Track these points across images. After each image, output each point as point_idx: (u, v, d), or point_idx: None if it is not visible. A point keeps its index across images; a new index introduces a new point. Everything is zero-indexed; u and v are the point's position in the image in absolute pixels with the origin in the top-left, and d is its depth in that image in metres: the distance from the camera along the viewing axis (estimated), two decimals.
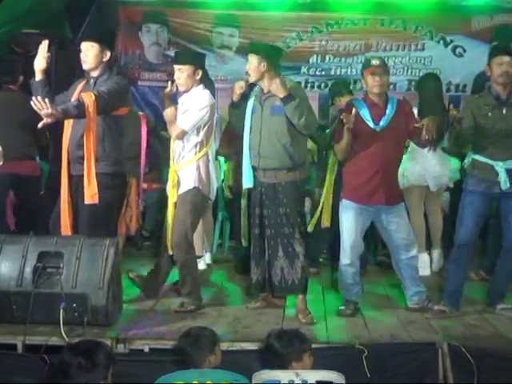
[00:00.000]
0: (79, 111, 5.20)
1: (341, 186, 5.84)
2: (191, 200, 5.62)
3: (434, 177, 7.05)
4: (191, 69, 5.63)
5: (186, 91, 5.71)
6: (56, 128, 5.62)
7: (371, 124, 5.52)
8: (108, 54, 5.55)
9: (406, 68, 9.48)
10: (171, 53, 9.45)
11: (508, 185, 5.42)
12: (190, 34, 9.54)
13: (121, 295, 5.37)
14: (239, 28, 9.59)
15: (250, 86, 6.06)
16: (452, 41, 9.49)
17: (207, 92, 5.70)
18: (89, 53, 5.52)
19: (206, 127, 5.66)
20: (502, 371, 4.64)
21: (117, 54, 9.04)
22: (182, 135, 5.60)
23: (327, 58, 9.62)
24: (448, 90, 9.35)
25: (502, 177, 5.42)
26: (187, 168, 5.64)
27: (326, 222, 6.39)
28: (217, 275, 7.06)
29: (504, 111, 5.44)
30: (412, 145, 6.97)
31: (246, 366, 4.45)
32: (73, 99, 5.46)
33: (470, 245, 5.60)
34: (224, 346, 4.62)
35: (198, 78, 5.66)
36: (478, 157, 5.55)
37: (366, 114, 5.55)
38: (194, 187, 5.62)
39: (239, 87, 6.27)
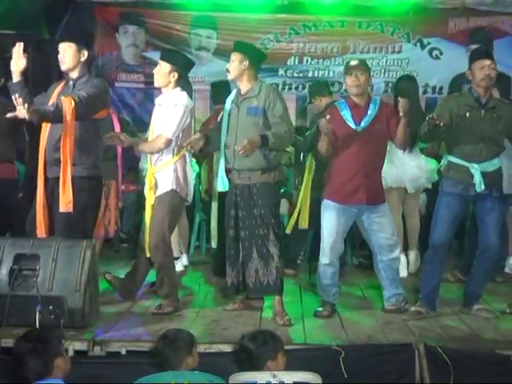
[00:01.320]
0: (56, 116, 5.17)
1: (319, 188, 5.85)
2: (169, 202, 5.60)
3: (411, 179, 7.08)
4: (168, 68, 5.61)
5: (163, 90, 5.70)
6: (35, 131, 5.58)
7: (352, 125, 5.53)
8: (85, 53, 5.53)
9: (383, 70, 9.53)
10: (148, 54, 9.48)
11: (483, 187, 5.46)
12: (167, 35, 9.52)
13: (98, 297, 5.34)
14: (217, 30, 9.59)
15: None
16: (429, 43, 9.56)
17: (185, 94, 5.68)
18: (66, 53, 5.48)
19: (185, 131, 5.64)
20: (478, 371, 4.66)
21: (94, 54, 9.01)
22: (168, 143, 5.56)
23: (305, 60, 9.65)
24: (425, 92, 9.42)
25: (477, 179, 5.46)
26: (165, 170, 5.62)
27: (303, 224, 6.41)
28: (194, 277, 7.05)
29: (482, 114, 5.48)
30: (389, 147, 7.02)
31: (224, 368, 4.45)
32: (51, 101, 5.43)
33: (444, 246, 5.64)
34: (201, 347, 4.61)
35: (174, 79, 5.63)
36: (453, 158, 5.59)
37: (347, 114, 5.57)
38: (172, 189, 5.60)
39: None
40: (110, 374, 4.55)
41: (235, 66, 5.51)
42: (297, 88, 9.65)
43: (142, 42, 9.62)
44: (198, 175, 7.85)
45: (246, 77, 5.52)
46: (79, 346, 4.66)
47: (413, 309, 5.64)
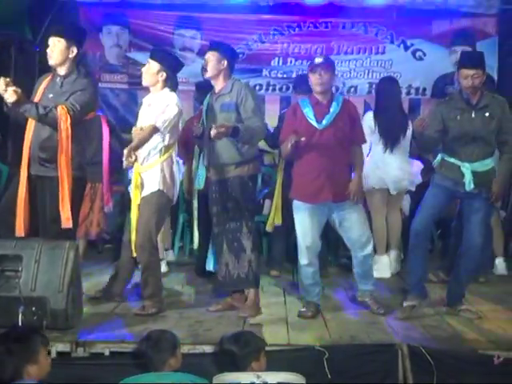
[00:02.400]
0: (42, 120, 5.22)
1: (289, 186, 5.89)
2: (156, 202, 5.58)
3: (393, 181, 7.11)
4: (156, 67, 5.60)
5: (152, 90, 5.68)
6: (15, 130, 5.55)
7: (314, 123, 5.54)
8: (75, 50, 5.48)
9: (366, 71, 9.56)
10: (132, 55, 9.47)
11: (472, 186, 5.49)
12: (151, 35, 9.51)
13: (81, 298, 5.32)
14: (201, 30, 9.59)
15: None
16: (412, 44, 9.60)
17: (175, 95, 5.66)
18: (55, 48, 5.45)
19: (173, 131, 5.62)
20: (461, 371, 4.70)
21: (86, 53, 9.03)
22: (153, 132, 5.49)
23: (289, 61, 9.67)
24: (408, 94, 9.47)
25: (467, 178, 5.49)
26: (151, 170, 5.60)
27: (277, 221, 6.57)
28: (178, 278, 7.03)
29: (473, 115, 5.52)
30: (373, 149, 7.06)
31: (207, 369, 4.45)
32: (38, 96, 5.44)
33: (423, 233, 5.66)
34: (185, 348, 4.60)
35: (162, 78, 5.61)
36: (446, 157, 5.64)
37: (309, 112, 5.58)
38: (159, 190, 5.58)
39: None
40: (94, 375, 4.54)
41: (213, 65, 5.57)
42: (281, 89, 9.66)
43: (125, 42, 9.61)
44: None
45: (222, 75, 5.61)
46: (62, 347, 4.64)
47: (405, 304, 5.67)
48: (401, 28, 9.57)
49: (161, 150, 5.60)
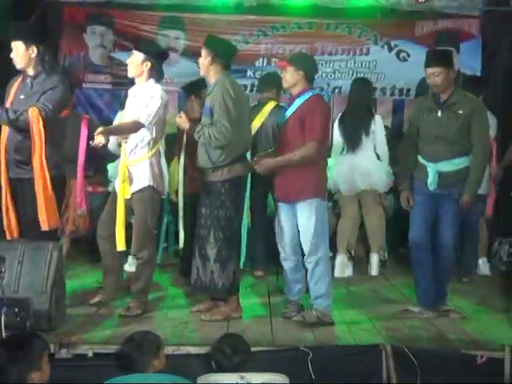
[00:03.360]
0: (13, 124, 5.24)
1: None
2: (150, 199, 5.57)
3: (345, 182, 7.16)
4: (140, 57, 5.56)
5: (137, 81, 5.65)
6: None
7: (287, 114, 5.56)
8: (35, 49, 5.44)
9: (350, 72, 9.55)
10: (116, 55, 9.42)
11: (434, 186, 5.52)
12: (135, 36, 9.44)
13: (64, 299, 5.30)
14: (185, 30, 9.57)
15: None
16: (396, 45, 9.61)
17: (159, 87, 5.62)
18: (17, 52, 5.45)
19: (159, 124, 5.59)
20: (444, 371, 4.72)
21: (57, 52, 9.03)
22: (139, 128, 5.47)
23: (273, 62, 9.64)
24: (392, 94, 9.50)
25: (430, 177, 5.51)
26: (140, 165, 5.55)
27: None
28: (162, 278, 7.02)
29: (439, 114, 5.53)
30: (333, 151, 7.11)
31: (192, 370, 4.45)
32: (9, 99, 5.43)
33: (422, 245, 5.63)
34: (169, 349, 4.60)
35: (147, 68, 5.56)
36: (419, 157, 5.66)
37: (286, 105, 5.67)
38: (149, 185, 5.55)
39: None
40: (77, 376, 4.53)
41: (201, 61, 5.51)
42: None
43: (109, 42, 9.56)
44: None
45: (213, 72, 5.50)
46: None
47: (410, 308, 5.71)
48: (385, 29, 9.59)
49: (149, 144, 5.56)
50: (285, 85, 5.56)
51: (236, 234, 5.57)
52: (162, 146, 5.72)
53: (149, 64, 5.57)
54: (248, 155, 5.81)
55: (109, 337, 4.93)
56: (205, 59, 5.47)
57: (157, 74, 5.67)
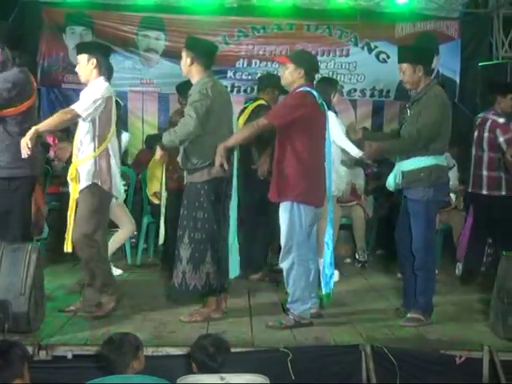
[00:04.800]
0: None
1: None
2: (94, 198, 5.44)
3: None
4: (85, 58, 5.51)
5: (87, 83, 5.60)
6: None
7: None
8: None
9: (331, 73, 9.61)
10: None
11: (391, 185, 5.55)
12: (115, 36, 9.46)
13: (43, 301, 5.26)
14: (165, 31, 9.56)
15: None
16: (376, 47, 9.68)
17: (106, 84, 5.50)
18: None
19: (104, 120, 5.45)
20: (423, 371, 4.75)
21: (36, 52, 9.07)
22: (73, 117, 5.37)
23: (253, 63, 9.69)
24: (372, 96, 9.57)
25: (391, 177, 5.54)
26: (86, 164, 5.43)
27: None
28: (142, 279, 7.00)
29: (409, 113, 5.52)
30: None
31: (171, 371, 4.44)
32: None
33: (399, 243, 5.63)
34: (149, 350, 4.58)
35: (93, 66, 5.49)
36: None
37: None
38: (93, 183, 5.42)
39: None
40: (56, 378, 4.52)
41: (182, 62, 5.49)
42: (245, 90, 9.69)
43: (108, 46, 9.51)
44: (144, 178, 7.81)
45: (194, 73, 5.47)
46: None
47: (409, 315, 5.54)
48: (365, 30, 9.64)
49: (94, 141, 5.43)
50: (283, 82, 5.52)
51: (213, 236, 5.46)
52: (112, 146, 5.52)
53: (94, 61, 5.49)
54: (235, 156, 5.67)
55: (88, 338, 4.90)
56: (186, 60, 5.44)
57: (105, 70, 5.57)
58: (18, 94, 5.43)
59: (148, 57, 9.55)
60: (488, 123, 6.80)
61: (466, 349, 4.84)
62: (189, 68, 5.46)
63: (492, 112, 6.86)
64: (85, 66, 5.53)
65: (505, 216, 6.77)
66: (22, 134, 5.29)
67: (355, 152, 6.63)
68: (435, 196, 5.42)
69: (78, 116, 5.37)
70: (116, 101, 5.70)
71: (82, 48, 5.70)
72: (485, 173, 6.85)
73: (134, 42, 9.56)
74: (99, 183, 5.45)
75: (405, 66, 5.47)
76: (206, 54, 5.53)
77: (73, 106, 5.42)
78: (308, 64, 5.43)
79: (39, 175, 5.99)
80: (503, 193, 6.80)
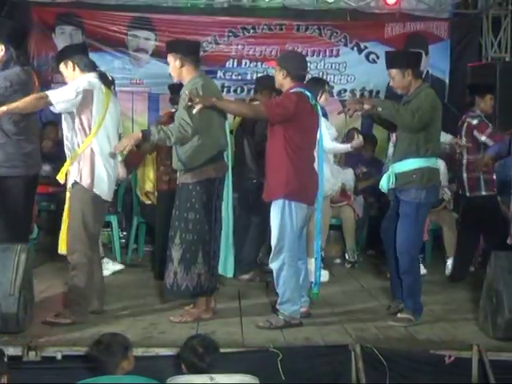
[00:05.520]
0: None
1: None
2: (79, 198, 5.32)
3: None
4: (63, 67, 5.47)
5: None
6: None
7: None
8: (3, 48, 5.44)
9: (321, 73, 9.58)
10: None
11: (384, 187, 5.55)
12: (104, 36, 9.43)
13: (33, 301, 5.25)
14: (155, 31, 9.54)
15: None
16: (366, 47, 9.68)
17: (86, 78, 5.37)
18: None
19: (85, 115, 5.32)
20: (413, 371, 4.76)
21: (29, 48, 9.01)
22: (43, 102, 5.26)
23: (243, 63, 9.68)
24: (362, 96, 9.53)
25: (384, 178, 5.55)
26: (74, 162, 5.35)
27: None
28: (132, 279, 6.99)
29: None
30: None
31: (161, 372, 4.44)
32: None
33: (384, 236, 5.69)
34: (139, 351, 4.57)
35: (72, 69, 5.41)
36: None
37: None
38: (76, 182, 5.31)
39: None
40: (46, 379, 4.51)
41: (171, 67, 5.46)
42: (235, 91, 9.67)
43: (78, 42, 9.49)
44: (134, 178, 7.81)
45: (185, 74, 5.43)
46: (13, 351, 4.57)
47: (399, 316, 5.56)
48: (354, 31, 9.65)
49: (76, 137, 5.31)
50: (276, 85, 5.53)
51: (205, 236, 5.43)
52: (99, 144, 5.34)
53: (71, 64, 5.42)
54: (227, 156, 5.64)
55: (77, 339, 4.89)
56: (174, 64, 5.41)
57: (85, 66, 5.46)
58: (15, 93, 5.38)
59: (138, 57, 9.53)
60: (464, 127, 6.95)
61: (456, 348, 4.86)
62: (179, 70, 5.42)
63: (470, 114, 6.98)
64: (67, 72, 5.47)
65: (488, 215, 6.88)
66: (19, 133, 5.29)
67: (345, 147, 6.69)
68: (427, 198, 5.44)
69: (50, 104, 5.24)
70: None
71: (59, 58, 5.58)
72: (465, 175, 7.00)
73: (124, 42, 9.52)
74: (81, 182, 5.30)
75: (394, 71, 5.49)
76: (191, 51, 5.52)
77: (48, 92, 5.33)
78: (291, 64, 5.42)
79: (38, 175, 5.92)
80: (483, 193, 6.93)
